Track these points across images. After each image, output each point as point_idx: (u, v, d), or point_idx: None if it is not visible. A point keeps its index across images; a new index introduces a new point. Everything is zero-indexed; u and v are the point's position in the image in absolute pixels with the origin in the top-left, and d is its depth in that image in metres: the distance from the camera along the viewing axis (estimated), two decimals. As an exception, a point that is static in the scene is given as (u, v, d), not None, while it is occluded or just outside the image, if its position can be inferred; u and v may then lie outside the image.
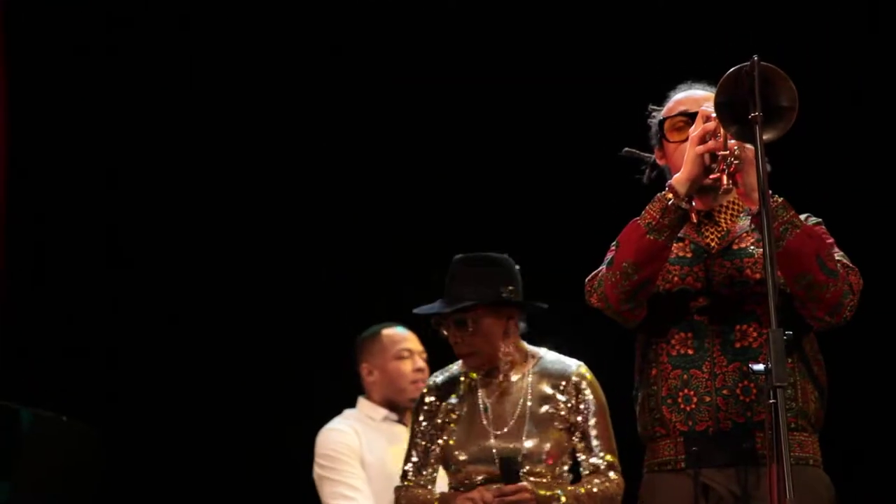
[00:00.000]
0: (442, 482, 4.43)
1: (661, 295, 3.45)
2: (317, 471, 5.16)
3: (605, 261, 3.43)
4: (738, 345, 3.40)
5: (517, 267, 4.38)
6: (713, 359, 3.41)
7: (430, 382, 4.39)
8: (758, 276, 3.40)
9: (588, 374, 4.27)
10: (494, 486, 4.15)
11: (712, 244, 3.49)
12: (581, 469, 4.27)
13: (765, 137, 3.13)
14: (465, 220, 6.15)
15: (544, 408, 4.22)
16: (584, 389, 4.23)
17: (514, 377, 4.28)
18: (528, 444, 4.17)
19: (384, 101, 6.50)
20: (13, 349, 6.40)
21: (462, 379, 4.33)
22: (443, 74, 6.38)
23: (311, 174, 6.59)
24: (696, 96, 3.52)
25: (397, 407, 5.20)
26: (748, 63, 3.14)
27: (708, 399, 3.39)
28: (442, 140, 6.41)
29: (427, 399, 4.34)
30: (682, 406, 3.41)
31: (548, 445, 4.19)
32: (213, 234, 6.61)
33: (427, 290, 4.59)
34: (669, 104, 3.57)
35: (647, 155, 3.63)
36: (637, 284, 3.35)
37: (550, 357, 4.35)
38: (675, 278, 3.46)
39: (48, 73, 6.58)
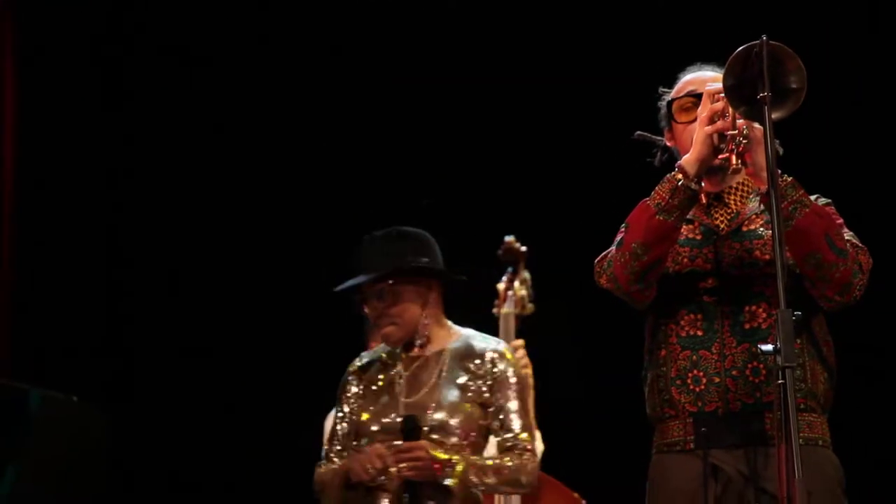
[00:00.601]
0: None
1: (670, 276, 3.45)
2: (325, 454, 5.14)
3: (615, 242, 3.43)
4: (747, 326, 3.39)
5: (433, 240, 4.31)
6: (722, 340, 3.41)
7: (352, 366, 4.33)
8: (767, 257, 3.40)
9: (507, 353, 4.22)
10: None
11: (721, 225, 3.49)
12: (497, 447, 4.17)
13: (774, 116, 3.13)
14: (466, 216, 6.15)
15: (459, 381, 4.15)
16: (502, 367, 4.16)
17: (432, 351, 4.23)
18: (438, 416, 4.10)
19: (384, 100, 6.50)
20: (12, 349, 6.39)
21: (382, 357, 4.29)
22: (443, 74, 6.39)
23: (311, 174, 6.59)
24: (705, 77, 3.52)
25: None
26: (757, 42, 3.15)
27: (717, 380, 3.39)
28: (444, 139, 6.42)
29: (349, 384, 4.27)
30: (691, 387, 3.41)
31: (458, 419, 4.11)
32: (213, 234, 6.61)
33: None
34: (678, 85, 3.58)
35: (657, 138, 3.63)
36: (646, 265, 3.35)
37: (472, 334, 4.30)
38: (685, 259, 3.47)
39: (52, 74, 6.59)
